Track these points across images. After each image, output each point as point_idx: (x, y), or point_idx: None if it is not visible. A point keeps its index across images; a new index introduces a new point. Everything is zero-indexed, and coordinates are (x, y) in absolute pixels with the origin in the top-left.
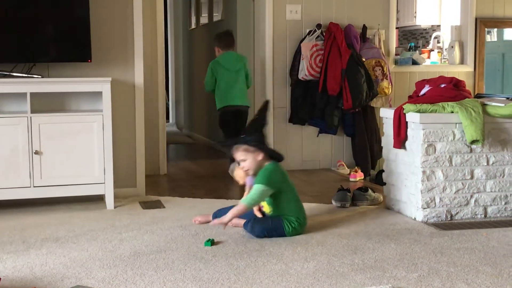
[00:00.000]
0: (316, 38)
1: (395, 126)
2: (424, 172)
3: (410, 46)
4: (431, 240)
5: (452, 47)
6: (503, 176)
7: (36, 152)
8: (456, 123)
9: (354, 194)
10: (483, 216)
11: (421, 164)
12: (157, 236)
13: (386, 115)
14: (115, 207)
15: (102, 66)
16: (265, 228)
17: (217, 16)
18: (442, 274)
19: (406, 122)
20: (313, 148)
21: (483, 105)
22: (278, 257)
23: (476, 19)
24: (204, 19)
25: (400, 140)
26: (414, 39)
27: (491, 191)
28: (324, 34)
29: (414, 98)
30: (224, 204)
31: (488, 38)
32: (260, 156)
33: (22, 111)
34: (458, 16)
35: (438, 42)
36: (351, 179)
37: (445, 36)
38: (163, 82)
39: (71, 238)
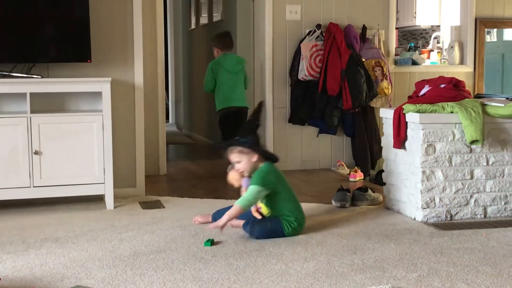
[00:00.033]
0: (315, 38)
1: (394, 126)
2: (424, 172)
3: (409, 46)
4: (431, 240)
5: (452, 47)
6: (502, 176)
7: (36, 152)
8: (455, 123)
9: (354, 194)
10: (482, 216)
11: (420, 164)
12: (157, 236)
13: (386, 115)
14: (115, 207)
15: (101, 66)
16: (265, 229)
17: (216, 17)
18: (442, 274)
19: (406, 122)
20: (313, 148)
21: (483, 105)
22: (278, 257)
23: (475, 20)
24: (204, 19)
25: (400, 140)
26: (414, 39)
27: (490, 191)
28: (323, 34)
29: (414, 98)
30: (224, 204)
31: (487, 38)
32: (254, 158)
33: (22, 111)
34: (457, 16)
35: (438, 42)
36: (351, 179)
37: (445, 37)
38: (162, 82)
39: (71, 238)
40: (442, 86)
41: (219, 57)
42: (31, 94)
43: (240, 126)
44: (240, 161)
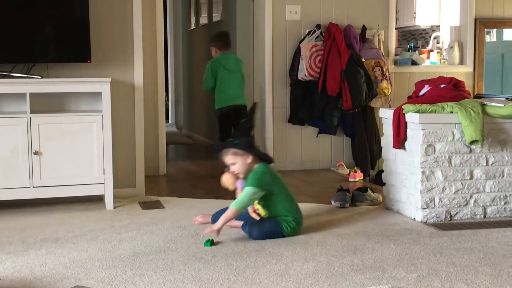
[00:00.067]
0: (315, 38)
1: (394, 126)
2: (423, 172)
3: (409, 46)
4: (431, 241)
5: (452, 47)
6: (502, 176)
7: (36, 153)
8: (455, 124)
9: (354, 195)
10: (482, 216)
11: (420, 164)
12: (157, 236)
13: (386, 115)
14: (114, 208)
15: (101, 67)
16: (263, 231)
17: (216, 17)
18: (442, 274)
19: (406, 123)
20: (312, 148)
21: (483, 105)
22: (278, 257)
23: (475, 20)
24: (203, 20)
25: (400, 140)
26: (414, 39)
27: (490, 191)
28: (323, 34)
29: (414, 99)
30: (224, 204)
31: (487, 38)
32: (249, 159)
33: (22, 112)
34: (457, 16)
35: (438, 42)
36: (351, 180)
37: (445, 37)
38: (162, 82)
39: (71, 238)
40: (442, 86)
41: (219, 56)
42: (31, 94)
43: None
44: (235, 163)
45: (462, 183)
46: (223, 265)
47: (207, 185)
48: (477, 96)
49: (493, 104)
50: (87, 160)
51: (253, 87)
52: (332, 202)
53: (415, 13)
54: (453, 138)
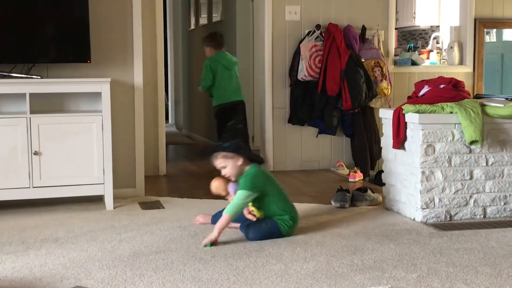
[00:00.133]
0: (315, 38)
1: (394, 126)
2: (423, 172)
3: (409, 46)
4: (430, 241)
5: (451, 47)
6: (502, 177)
7: (36, 153)
8: (455, 124)
9: (354, 195)
10: (482, 216)
11: (420, 164)
12: (157, 236)
13: (385, 115)
14: (114, 208)
15: (101, 67)
16: (260, 232)
17: (216, 17)
18: (441, 274)
19: (405, 123)
20: (312, 148)
21: (482, 105)
22: (278, 258)
23: (475, 20)
24: (203, 20)
25: (399, 140)
26: (413, 39)
27: (490, 192)
28: (323, 34)
29: (414, 99)
30: (224, 204)
31: (487, 38)
32: (239, 161)
33: (22, 112)
34: (457, 16)
35: (437, 42)
36: (350, 180)
37: (444, 37)
38: (162, 82)
39: (71, 238)
40: (442, 86)
41: (215, 54)
42: (30, 94)
43: (243, 117)
44: (226, 166)
45: (462, 183)
46: (222, 266)
47: (207, 185)
48: (477, 96)
49: (492, 104)
50: (87, 160)
51: (253, 87)
52: (332, 202)
53: (414, 13)
54: (453, 138)
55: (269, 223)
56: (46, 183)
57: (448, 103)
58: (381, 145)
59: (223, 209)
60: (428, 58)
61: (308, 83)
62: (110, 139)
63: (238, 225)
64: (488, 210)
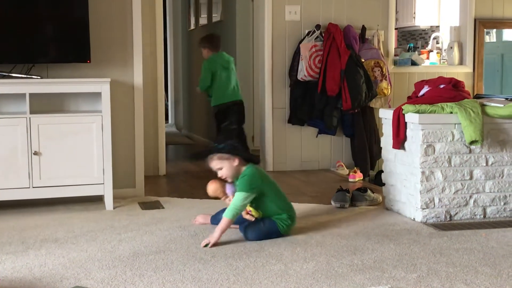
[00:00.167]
0: (315, 38)
1: (394, 126)
2: (423, 172)
3: (409, 46)
4: (430, 241)
5: (451, 47)
6: (502, 177)
7: (35, 153)
8: (455, 124)
9: (353, 195)
10: (482, 216)
11: (420, 164)
12: (156, 236)
13: (385, 115)
14: (114, 208)
15: (101, 67)
16: (259, 232)
17: (216, 17)
18: (441, 274)
19: (405, 123)
20: (312, 148)
21: (482, 105)
22: (277, 258)
23: (475, 20)
24: (203, 20)
25: (399, 140)
26: (413, 39)
27: (490, 192)
28: (323, 34)
29: (413, 99)
30: (224, 205)
31: (487, 38)
32: (235, 162)
33: (21, 112)
34: (457, 16)
35: (437, 42)
36: (350, 180)
37: (444, 37)
38: (162, 82)
39: (70, 238)
40: (442, 86)
41: (214, 55)
42: (30, 94)
43: (242, 117)
44: (222, 168)
45: (461, 183)
46: (222, 266)
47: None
48: (477, 97)
49: (492, 104)
50: (87, 160)
51: (253, 87)
52: (332, 202)
53: (414, 13)
54: (453, 139)
55: (267, 223)
56: (46, 183)
57: (448, 103)
58: (381, 145)
59: (222, 209)
60: (428, 58)
61: (308, 83)
62: (110, 139)
63: (238, 225)
64: (488, 210)
